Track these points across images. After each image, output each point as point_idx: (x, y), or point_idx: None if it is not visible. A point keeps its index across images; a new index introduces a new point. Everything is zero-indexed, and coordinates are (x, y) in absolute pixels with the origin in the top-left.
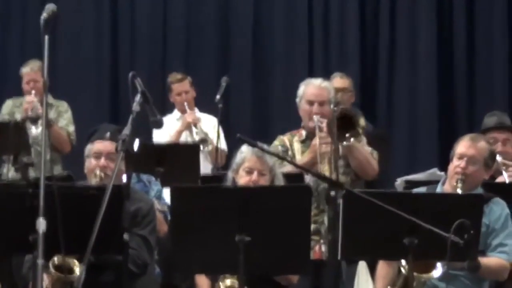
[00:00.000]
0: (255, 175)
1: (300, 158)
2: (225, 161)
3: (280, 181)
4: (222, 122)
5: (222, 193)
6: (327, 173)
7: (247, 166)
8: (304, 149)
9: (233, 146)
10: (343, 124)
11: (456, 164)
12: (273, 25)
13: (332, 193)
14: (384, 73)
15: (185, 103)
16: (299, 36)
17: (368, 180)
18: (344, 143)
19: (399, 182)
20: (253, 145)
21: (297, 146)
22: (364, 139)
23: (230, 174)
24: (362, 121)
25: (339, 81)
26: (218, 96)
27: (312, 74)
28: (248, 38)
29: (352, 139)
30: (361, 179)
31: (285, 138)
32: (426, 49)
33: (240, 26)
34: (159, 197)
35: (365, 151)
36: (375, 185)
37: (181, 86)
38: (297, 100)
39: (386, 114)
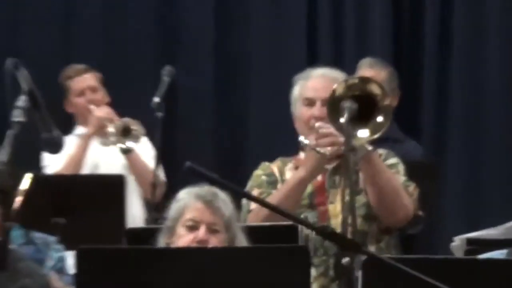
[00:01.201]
0: (202, 232)
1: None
2: (161, 195)
3: (242, 244)
4: (166, 143)
5: (159, 256)
6: (337, 222)
7: (189, 218)
8: None
9: (177, 184)
10: (359, 112)
11: None
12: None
13: (345, 260)
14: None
15: (91, 107)
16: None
17: (404, 234)
18: (359, 149)
19: (458, 242)
20: (211, 180)
21: (290, 175)
22: (400, 166)
23: (161, 241)
24: (387, 102)
25: (368, 72)
26: (156, 99)
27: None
28: (208, 18)
29: (370, 147)
30: (392, 230)
31: (274, 166)
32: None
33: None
34: (60, 269)
35: (394, 177)
36: (417, 245)
37: (82, 81)
38: (292, 106)
39: (436, 132)
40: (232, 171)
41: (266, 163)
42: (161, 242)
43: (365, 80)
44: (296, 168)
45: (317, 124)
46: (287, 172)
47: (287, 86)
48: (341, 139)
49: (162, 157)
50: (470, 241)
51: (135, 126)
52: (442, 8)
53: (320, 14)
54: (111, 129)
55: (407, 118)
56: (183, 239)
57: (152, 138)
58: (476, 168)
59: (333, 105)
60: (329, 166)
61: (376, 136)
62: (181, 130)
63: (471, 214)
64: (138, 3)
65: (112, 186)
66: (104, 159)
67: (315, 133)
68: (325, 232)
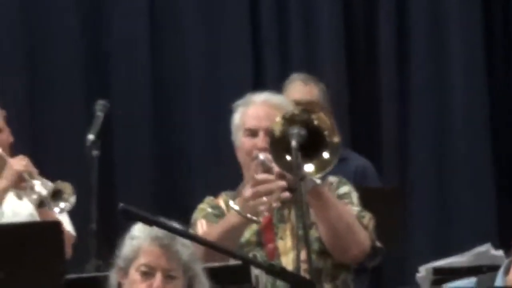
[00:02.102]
0: (158, 280)
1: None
2: (71, 250)
3: (203, 285)
4: (102, 183)
5: None
6: (287, 259)
7: (144, 263)
8: None
9: (119, 225)
10: (305, 144)
11: None
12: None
13: None
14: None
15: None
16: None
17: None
18: (305, 182)
19: (423, 272)
20: (150, 222)
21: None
22: (354, 194)
23: (113, 278)
24: (336, 139)
25: (301, 89)
26: (90, 136)
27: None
28: (144, 39)
29: (318, 177)
30: (349, 265)
31: (219, 200)
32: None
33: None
34: None
35: (346, 211)
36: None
37: None
38: (232, 135)
39: (397, 155)
40: (175, 207)
41: (211, 197)
42: (113, 278)
43: (309, 111)
44: None
45: (260, 156)
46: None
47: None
48: (281, 183)
49: (99, 199)
50: (436, 271)
51: (67, 189)
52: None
53: (264, 26)
54: (39, 189)
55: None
56: (137, 286)
57: (87, 179)
58: (443, 189)
59: (275, 144)
60: None
61: (322, 174)
62: (119, 168)
63: (439, 241)
64: (64, 30)
65: (48, 233)
66: (8, 207)
67: (251, 181)
68: (275, 270)
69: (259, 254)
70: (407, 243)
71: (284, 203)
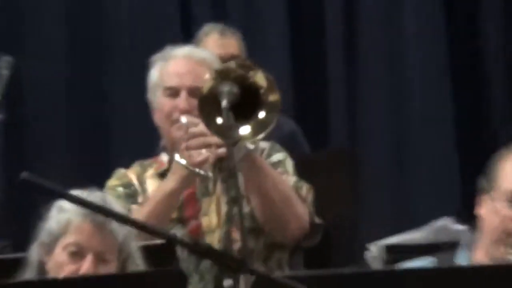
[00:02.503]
0: (88, 263)
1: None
2: None
3: (137, 266)
4: (9, 149)
5: None
6: (212, 238)
7: (73, 242)
8: None
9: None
10: (240, 104)
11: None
12: None
13: (227, 282)
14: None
15: None
16: None
17: (304, 246)
18: (240, 146)
19: (374, 249)
20: (54, 193)
21: (152, 184)
22: (288, 162)
23: (34, 254)
24: (273, 97)
25: (220, 42)
26: None
27: None
28: None
29: (252, 142)
30: (284, 245)
31: (131, 173)
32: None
33: None
34: None
35: (282, 181)
36: (325, 255)
37: None
38: (149, 94)
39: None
40: (93, 177)
41: (122, 170)
42: (34, 254)
43: (244, 67)
44: (160, 175)
45: (183, 119)
46: (148, 180)
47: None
48: (217, 139)
49: (5, 168)
50: (389, 248)
51: None
52: None
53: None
54: None
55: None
56: (63, 268)
57: None
58: (399, 154)
59: (204, 103)
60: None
61: (259, 136)
62: (28, 133)
63: (394, 214)
64: None
65: None
66: None
67: (183, 134)
68: (200, 250)
69: (179, 233)
70: (357, 216)
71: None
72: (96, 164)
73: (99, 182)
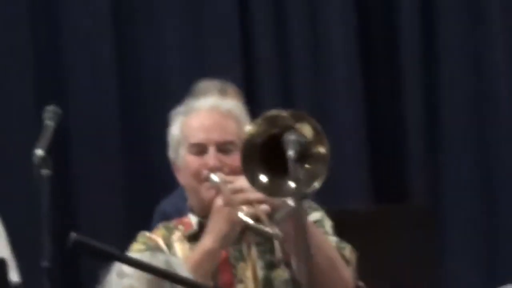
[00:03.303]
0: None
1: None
2: None
3: None
4: (56, 209)
5: None
6: None
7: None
8: None
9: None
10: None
11: None
12: None
13: None
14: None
15: None
16: None
17: None
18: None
19: None
20: (111, 258)
21: (181, 248)
22: (327, 222)
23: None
24: (322, 150)
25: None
26: (39, 151)
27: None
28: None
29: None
30: None
31: (157, 237)
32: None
33: None
34: None
35: (327, 242)
36: None
37: None
38: (171, 152)
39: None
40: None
41: (146, 234)
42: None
43: (297, 117)
44: (189, 238)
45: (214, 178)
46: (176, 243)
47: None
48: (259, 195)
49: (53, 230)
50: None
51: None
52: None
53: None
54: None
55: None
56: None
57: (38, 204)
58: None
59: (249, 153)
60: None
61: (310, 189)
62: (77, 190)
63: (483, 273)
64: (8, 18)
65: None
66: None
67: (214, 195)
68: None
69: None
70: (439, 277)
71: (241, 234)
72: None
73: None
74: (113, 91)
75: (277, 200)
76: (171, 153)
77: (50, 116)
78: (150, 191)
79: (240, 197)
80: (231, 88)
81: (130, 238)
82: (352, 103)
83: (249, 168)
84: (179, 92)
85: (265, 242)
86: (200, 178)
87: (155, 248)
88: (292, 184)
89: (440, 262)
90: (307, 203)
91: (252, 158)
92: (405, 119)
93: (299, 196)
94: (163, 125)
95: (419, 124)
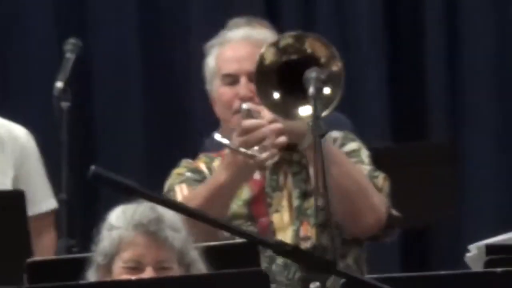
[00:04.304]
0: (148, 274)
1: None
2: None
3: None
4: (75, 142)
5: None
6: (285, 236)
7: (129, 258)
8: None
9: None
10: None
11: None
12: None
13: (314, 285)
14: None
15: None
16: None
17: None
18: (305, 136)
19: (475, 251)
20: (128, 191)
21: None
22: (363, 151)
23: (92, 277)
24: (336, 67)
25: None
26: (58, 83)
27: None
28: None
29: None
30: (362, 240)
31: (198, 161)
32: None
33: None
34: None
35: (357, 170)
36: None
37: None
38: (207, 84)
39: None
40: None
41: (189, 160)
42: (92, 278)
43: (301, 38)
44: None
45: (244, 106)
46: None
47: None
48: (274, 126)
49: (72, 163)
50: (490, 249)
51: None
52: None
53: None
54: None
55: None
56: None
57: (56, 137)
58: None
59: (262, 77)
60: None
61: (325, 113)
62: (97, 123)
63: (502, 212)
64: None
65: (8, 205)
66: None
67: (238, 130)
68: (285, 250)
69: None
70: (458, 215)
71: (279, 165)
72: (173, 156)
73: None
74: (134, 24)
75: (302, 128)
76: (207, 85)
77: (71, 49)
78: (170, 123)
79: (258, 134)
80: (263, 22)
81: (149, 172)
82: (373, 39)
83: (263, 90)
84: (201, 26)
85: (301, 171)
86: (232, 109)
87: (196, 171)
88: (304, 109)
89: (460, 199)
90: (345, 135)
91: (266, 79)
92: (426, 55)
93: (320, 132)
94: (184, 56)
95: (440, 60)
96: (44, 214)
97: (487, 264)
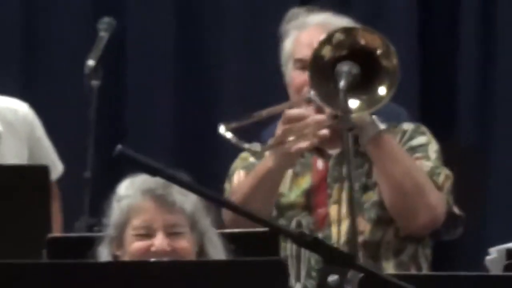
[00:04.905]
0: (159, 240)
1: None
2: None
3: (216, 246)
4: (105, 122)
5: (100, 273)
6: (342, 228)
7: (139, 225)
8: (300, 170)
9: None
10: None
11: None
12: None
13: (332, 278)
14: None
15: None
16: None
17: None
18: (367, 127)
19: (495, 254)
20: (153, 171)
21: None
22: (432, 146)
23: (105, 253)
24: (394, 61)
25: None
26: (90, 62)
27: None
28: None
29: (382, 125)
30: (419, 237)
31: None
32: None
33: None
34: None
35: (416, 167)
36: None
37: None
38: (283, 67)
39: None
40: (199, 158)
41: (244, 154)
42: (105, 254)
43: (355, 32)
44: None
45: (312, 93)
46: None
47: (274, 39)
48: (318, 117)
49: (99, 142)
50: (510, 254)
51: None
52: None
53: None
54: None
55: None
56: (134, 246)
57: (85, 115)
58: None
59: (318, 73)
60: (333, 151)
61: (373, 109)
62: (129, 104)
63: None
64: None
65: (33, 179)
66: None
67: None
68: (305, 241)
69: (304, 220)
70: (483, 217)
71: (344, 156)
72: (204, 140)
73: (204, 161)
74: (170, 7)
75: (366, 121)
76: (282, 67)
77: (104, 28)
78: (200, 108)
79: (301, 124)
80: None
81: (176, 156)
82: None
83: (318, 83)
84: (236, 12)
85: (363, 164)
86: (302, 94)
87: (260, 156)
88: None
89: (486, 201)
90: (416, 127)
91: (321, 74)
92: (458, 56)
93: (349, 125)
94: (218, 41)
95: (472, 61)
96: (54, 182)
97: (507, 268)
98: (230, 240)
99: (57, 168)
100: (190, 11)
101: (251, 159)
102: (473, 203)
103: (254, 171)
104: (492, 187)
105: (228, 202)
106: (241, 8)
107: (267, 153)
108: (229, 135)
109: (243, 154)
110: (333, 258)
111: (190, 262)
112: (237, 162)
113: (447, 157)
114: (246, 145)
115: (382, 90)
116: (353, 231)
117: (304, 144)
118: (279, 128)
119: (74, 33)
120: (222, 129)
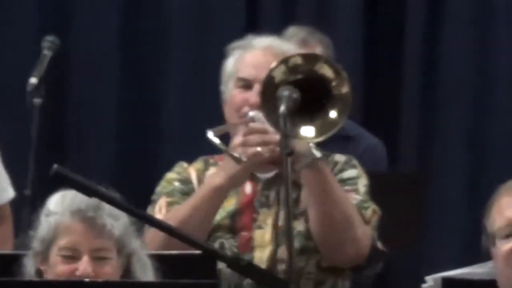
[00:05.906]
0: (84, 264)
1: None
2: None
3: (144, 267)
4: (45, 139)
5: None
6: (263, 254)
7: (65, 245)
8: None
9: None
10: (304, 103)
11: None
12: None
13: None
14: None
15: None
16: None
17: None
18: (303, 154)
19: (431, 282)
20: (88, 191)
21: None
22: (362, 180)
23: (29, 265)
24: (345, 89)
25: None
26: (32, 80)
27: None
28: None
29: (319, 153)
30: (341, 270)
31: (192, 169)
32: None
33: None
34: None
35: (345, 197)
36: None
37: None
38: (222, 85)
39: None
40: (141, 176)
41: (184, 164)
42: (29, 266)
43: (312, 59)
44: None
45: (251, 113)
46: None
47: (218, 58)
48: (277, 137)
49: (40, 160)
50: (446, 282)
51: None
52: None
53: None
54: None
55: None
56: (59, 268)
57: (26, 132)
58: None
59: (269, 93)
60: (264, 176)
61: (324, 137)
62: (69, 121)
63: (465, 245)
64: None
65: None
66: None
67: (244, 127)
68: (240, 265)
69: (228, 242)
70: (422, 244)
71: (273, 181)
72: (146, 158)
73: (146, 179)
74: (114, 26)
75: (302, 148)
76: (222, 86)
77: (48, 46)
78: (144, 126)
79: (260, 137)
80: (317, 37)
81: (118, 174)
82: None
83: (268, 107)
84: (179, 30)
85: (292, 191)
86: (241, 113)
87: (186, 181)
88: (305, 131)
89: (424, 229)
90: (348, 160)
91: (272, 98)
92: (402, 83)
93: (288, 150)
94: (161, 59)
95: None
96: (5, 204)
97: None
98: (167, 262)
99: (8, 194)
100: (134, 30)
101: (176, 183)
102: (410, 230)
103: (197, 192)
104: (430, 213)
105: (163, 224)
106: (185, 29)
107: (209, 172)
108: (217, 140)
109: (169, 176)
110: (266, 283)
111: (123, 283)
112: (162, 185)
113: (388, 185)
114: (230, 151)
115: (334, 116)
116: (290, 258)
117: (261, 156)
118: (238, 138)
119: (18, 50)
120: (210, 134)
